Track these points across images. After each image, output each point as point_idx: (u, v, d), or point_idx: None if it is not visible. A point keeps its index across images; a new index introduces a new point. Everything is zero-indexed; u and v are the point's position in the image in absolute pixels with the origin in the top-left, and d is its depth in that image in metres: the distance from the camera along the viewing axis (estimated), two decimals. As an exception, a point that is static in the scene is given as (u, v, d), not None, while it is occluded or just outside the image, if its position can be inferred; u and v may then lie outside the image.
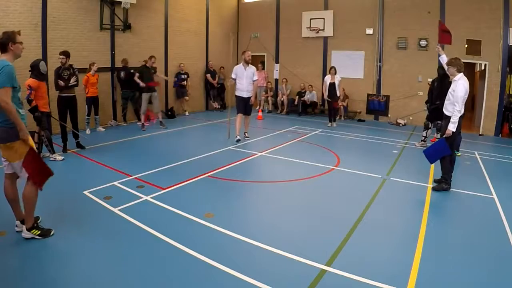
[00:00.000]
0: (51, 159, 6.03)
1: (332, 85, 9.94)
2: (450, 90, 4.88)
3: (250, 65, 7.81)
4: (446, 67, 5.08)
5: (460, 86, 4.67)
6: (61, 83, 6.46)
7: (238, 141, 7.65)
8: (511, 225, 3.93)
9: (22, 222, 3.40)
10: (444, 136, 4.90)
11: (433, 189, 5.03)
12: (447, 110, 4.94)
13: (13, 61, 3.25)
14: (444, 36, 5.99)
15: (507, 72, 9.47)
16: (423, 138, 7.96)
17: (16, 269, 2.88)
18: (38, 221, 3.56)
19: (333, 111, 10.25)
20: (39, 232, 3.38)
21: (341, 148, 7.61)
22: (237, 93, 7.83)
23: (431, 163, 5.22)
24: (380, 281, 2.78)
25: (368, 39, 11.32)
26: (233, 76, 7.86)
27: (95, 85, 8.31)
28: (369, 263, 3.10)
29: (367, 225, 3.89)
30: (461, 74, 4.80)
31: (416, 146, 7.91)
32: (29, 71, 5.67)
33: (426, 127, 7.92)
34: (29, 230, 3.34)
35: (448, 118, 4.88)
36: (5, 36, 3.23)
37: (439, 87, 7.21)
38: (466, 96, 4.74)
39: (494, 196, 4.89)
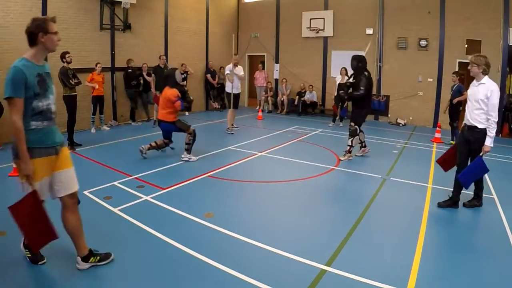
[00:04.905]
0: (185, 158, 6.13)
1: (341, 85, 9.95)
2: (478, 96, 4.04)
3: (238, 65, 8.72)
4: (470, 66, 4.13)
5: (495, 92, 3.96)
6: (76, 80, 6.94)
7: (232, 133, 8.67)
8: (511, 225, 3.93)
9: (83, 259, 2.92)
10: (481, 154, 4.11)
11: (464, 205, 4.44)
12: (476, 121, 4.09)
13: (42, 57, 2.63)
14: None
15: (507, 72, 9.47)
16: (349, 148, 6.49)
17: (16, 269, 2.88)
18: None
19: (341, 111, 10.22)
20: (99, 258, 2.92)
21: (341, 148, 7.59)
22: (228, 90, 8.74)
23: (467, 188, 4.32)
24: (380, 281, 2.78)
25: (368, 39, 11.29)
26: (228, 71, 8.65)
27: (101, 84, 8.44)
28: (369, 263, 3.10)
29: (367, 225, 3.89)
30: (487, 77, 4.05)
31: (342, 159, 6.47)
32: (164, 81, 6.15)
33: (354, 134, 6.45)
34: (85, 260, 2.85)
35: (479, 132, 4.09)
36: (34, 25, 2.49)
37: (355, 85, 6.25)
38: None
39: (494, 196, 4.89)
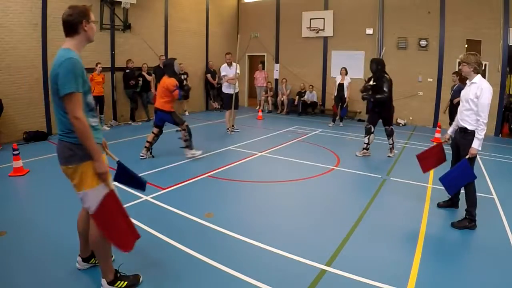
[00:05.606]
0: (189, 155, 6.15)
1: (341, 85, 10.01)
2: (468, 96, 3.81)
3: (232, 63, 8.50)
4: (462, 65, 3.90)
5: (486, 91, 3.68)
6: None
7: (231, 133, 8.61)
8: (511, 225, 3.93)
9: (84, 260, 2.88)
10: (467, 157, 3.80)
11: (453, 226, 3.88)
12: (466, 122, 3.86)
13: (82, 49, 2.40)
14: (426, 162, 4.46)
15: (507, 72, 9.47)
16: (365, 145, 6.86)
17: (17, 269, 2.88)
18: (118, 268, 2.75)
19: (341, 111, 10.29)
20: (126, 283, 2.60)
21: (341, 148, 7.60)
22: (226, 91, 8.60)
23: (451, 194, 4.17)
24: (380, 281, 2.78)
25: (368, 39, 11.32)
26: (224, 73, 8.58)
27: (101, 84, 8.46)
28: (369, 263, 3.10)
29: (367, 225, 3.89)
30: (479, 75, 3.82)
31: (357, 155, 6.84)
32: (158, 70, 5.92)
33: (368, 132, 6.78)
34: (111, 284, 2.57)
35: (469, 134, 3.83)
36: (76, 12, 2.27)
37: (376, 87, 6.38)
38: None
39: (494, 196, 4.89)
